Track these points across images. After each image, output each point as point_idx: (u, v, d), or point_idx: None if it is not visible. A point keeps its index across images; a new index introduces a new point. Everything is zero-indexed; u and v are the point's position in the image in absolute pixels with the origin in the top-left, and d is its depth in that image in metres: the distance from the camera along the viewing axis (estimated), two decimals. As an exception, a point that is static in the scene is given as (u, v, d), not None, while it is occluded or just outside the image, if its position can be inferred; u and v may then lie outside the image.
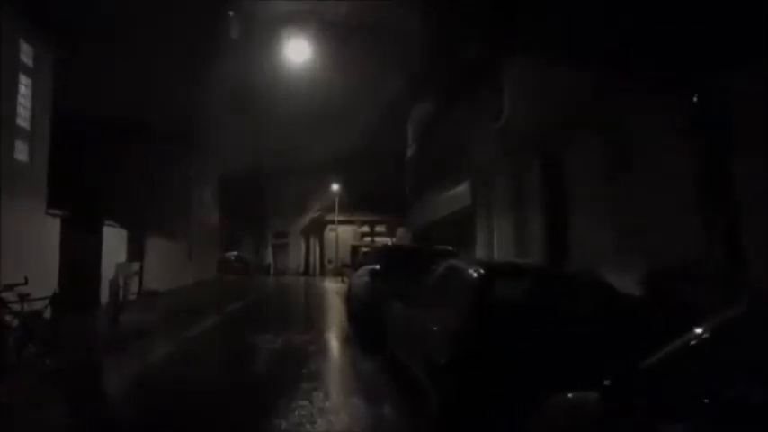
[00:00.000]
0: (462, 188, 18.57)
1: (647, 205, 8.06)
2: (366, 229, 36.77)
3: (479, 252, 16.14)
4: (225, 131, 28.64)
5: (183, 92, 20.23)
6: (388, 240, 31.47)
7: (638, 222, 8.35)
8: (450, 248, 10.71)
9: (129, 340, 9.74)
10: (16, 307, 7.35)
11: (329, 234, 36.77)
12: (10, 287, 7.31)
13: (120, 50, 16.06)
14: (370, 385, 6.45)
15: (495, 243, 15.15)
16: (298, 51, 19.52)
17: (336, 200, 35.36)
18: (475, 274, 4.78)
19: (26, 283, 7.42)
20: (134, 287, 16.93)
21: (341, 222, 35.72)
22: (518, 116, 13.54)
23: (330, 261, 36.45)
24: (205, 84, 21.48)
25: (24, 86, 11.11)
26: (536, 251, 12.14)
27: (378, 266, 9.32)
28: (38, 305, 7.85)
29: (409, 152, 29.42)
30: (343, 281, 28.71)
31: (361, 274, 10.37)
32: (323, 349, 9.01)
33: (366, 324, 9.18)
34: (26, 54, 11.13)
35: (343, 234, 35.73)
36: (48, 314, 7.98)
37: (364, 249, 16.89)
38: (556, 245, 11.16)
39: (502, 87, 14.89)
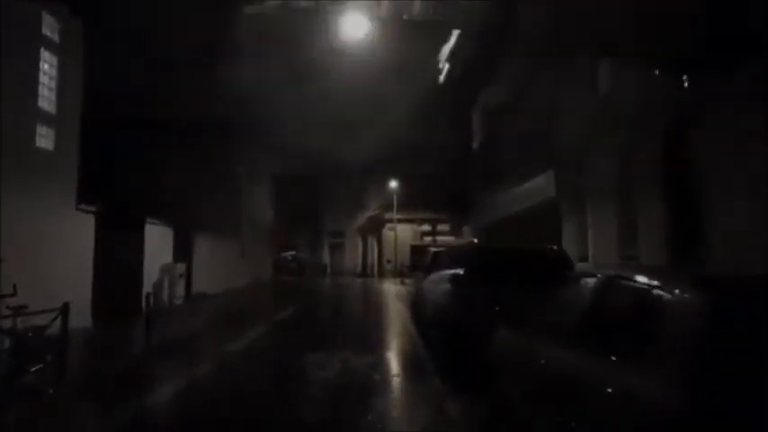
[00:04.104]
0: (542, 179, 16.15)
1: None
2: (426, 227, 34.58)
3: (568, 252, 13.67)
4: (277, 128, 27.32)
5: (232, 86, 18.83)
6: (451, 240, 29.23)
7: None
8: (555, 247, 8.44)
9: (158, 358, 8.18)
10: (7, 323, 5.83)
11: (387, 233, 34.77)
12: (-4, 299, 5.79)
13: (162, 38, 14.70)
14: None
15: (591, 240, 12.67)
16: (354, 30, 17.87)
17: (395, 197, 33.36)
18: (691, 298, 2.61)
19: (15, 293, 5.87)
20: (180, 290, 15.63)
21: (399, 221, 33.69)
22: (623, 86, 11.07)
23: (389, 261, 34.54)
24: (255, 78, 20.01)
25: (48, 64, 9.77)
26: (653, 251, 9.65)
27: (461, 270, 7.18)
28: (42, 319, 6.36)
29: (475, 143, 27.04)
30: (402, 282, 26.78)
31: (438, 280, 8.28)
32: (392, 378, 7.00)
33: (448, 343, 7.10)
34: (49, 27, 9.77)
35: (402, 233, 33.70)
36: (55, 329, 6.47)
37: (434, 249, 14.76)
38: (687, 243, 8.67)
39: (595, 57, 12.43)
